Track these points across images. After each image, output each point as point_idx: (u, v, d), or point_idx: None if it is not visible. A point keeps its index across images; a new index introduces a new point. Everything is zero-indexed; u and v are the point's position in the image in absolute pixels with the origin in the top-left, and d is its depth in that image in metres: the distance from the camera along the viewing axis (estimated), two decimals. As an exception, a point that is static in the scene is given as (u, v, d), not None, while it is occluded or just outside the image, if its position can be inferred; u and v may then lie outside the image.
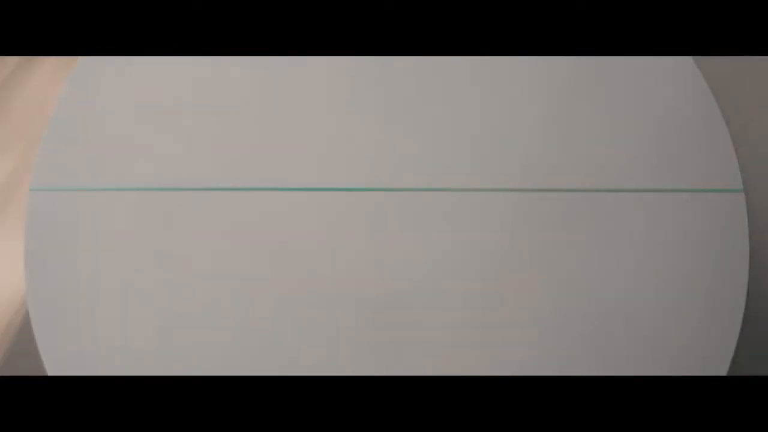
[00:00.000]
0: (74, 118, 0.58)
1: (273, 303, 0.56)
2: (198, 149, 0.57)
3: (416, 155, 0.58)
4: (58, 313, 0.55)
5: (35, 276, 0.56)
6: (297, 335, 0.56)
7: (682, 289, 0.58)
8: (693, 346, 0.58)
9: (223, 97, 0.58)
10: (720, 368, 0.58)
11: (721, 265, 0.58)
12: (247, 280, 0.56)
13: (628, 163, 0.59)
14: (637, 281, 0.58)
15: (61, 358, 0.55)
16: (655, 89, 0.60)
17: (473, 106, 0.59)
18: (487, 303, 0.57)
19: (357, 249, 0.57)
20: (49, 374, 0.55)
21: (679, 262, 0.58)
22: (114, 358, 0.55)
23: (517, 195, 0.58)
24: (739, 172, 0.59)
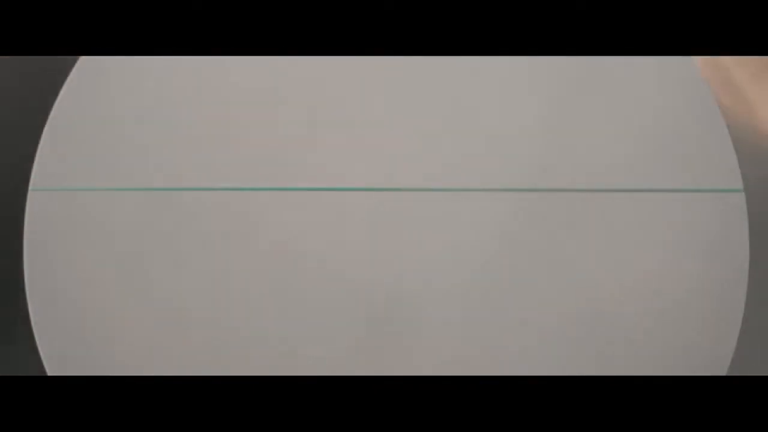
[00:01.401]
0: (74, 117, 0.58)
1: (273, 303, 0.56)
2: (198, 149, 0.57)
3: (416, 155, 0.58)
4: (58, 313, 0.55)
5: (35, 276, 0.56)
6: (297, 335, 0.56)
7: (682, 289, 0.58)
8: (692, 346, 0.58)
9: (223, 97, 0.58)
10: (720, 368, 0.58)
11: (721, 265, 0.58)
12: (247, 279, 0.56)
13: (628, 163, 0.59)
14: (636, 281, 0.58)
15: (61, 358, 0.55)
16: (655, 89, 0.60)
17: (472, 106, 0.59)
18: (487, 303, 0.57)
19: (357, 249, 0.57)
20: (49, 374, 0.55)
21: (678, 262, 0.58)
22: (114, 358, 0.55)
23: (517, 195, 0.58)
24: (739, 172, 0.59)
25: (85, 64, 0.58)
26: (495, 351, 0.56)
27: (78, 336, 0.55)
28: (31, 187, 0.56)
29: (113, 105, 0.58)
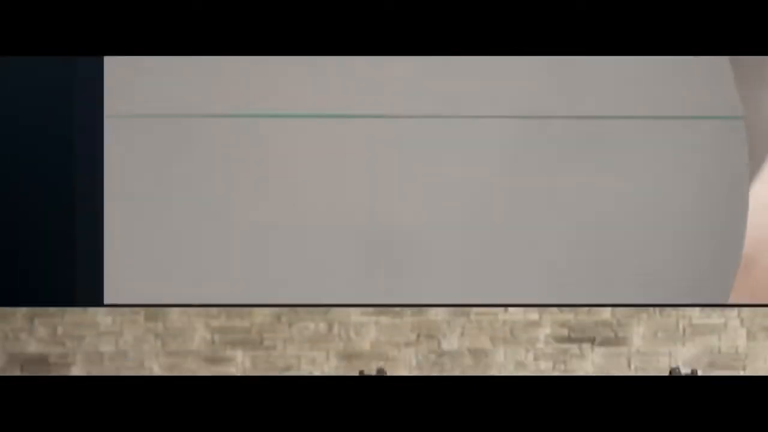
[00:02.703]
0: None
1: (274, 234, 0.56)
2: (202, 78, 0.58)
3: (418, 83, 0.58)
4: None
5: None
6: (298, 262, 0.56)
7: (682, 216, 0.58)
8: (691, 275, 0.57)
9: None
10: (722, 295, 0.57)
11: (721, 191, 0.58)
12: (250, 210, 0.56)
13: (629, 90, 0.59)
14: (637, 207, 0.58)
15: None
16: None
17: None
18: (488, 231, 0.57)
19: (356, 176, 0.57)
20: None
21: (679, 188, 0.58)
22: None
23: (519, 122, 0.58)
24: (738, 100, 0.59)
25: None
26: (495, 279, 0.56)
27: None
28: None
29: None
